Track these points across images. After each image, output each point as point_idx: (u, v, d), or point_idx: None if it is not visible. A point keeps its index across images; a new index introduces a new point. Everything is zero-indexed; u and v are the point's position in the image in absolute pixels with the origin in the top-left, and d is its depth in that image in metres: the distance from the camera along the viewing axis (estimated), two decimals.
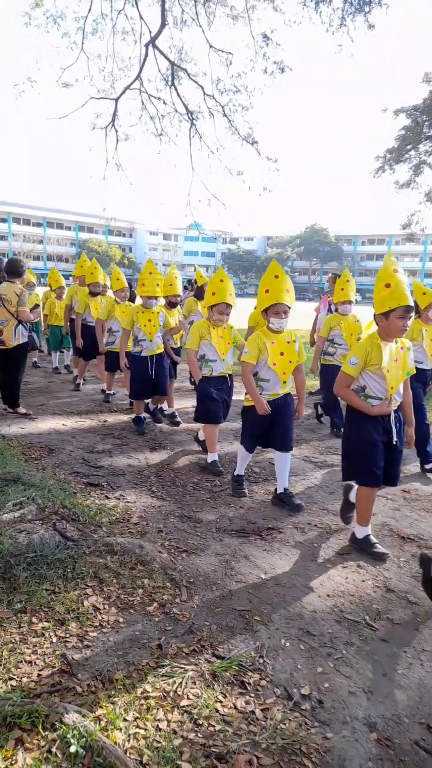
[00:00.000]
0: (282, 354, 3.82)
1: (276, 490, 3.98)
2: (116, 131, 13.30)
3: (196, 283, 7.72)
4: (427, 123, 19.21)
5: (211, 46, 12.64)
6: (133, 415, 6.32)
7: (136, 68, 12.77)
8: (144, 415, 5.82)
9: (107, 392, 7.17)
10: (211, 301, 4.42)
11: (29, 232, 72.77)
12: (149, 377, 5.52)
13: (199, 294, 7.46)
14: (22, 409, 6.19)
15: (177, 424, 6.11)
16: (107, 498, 3.86)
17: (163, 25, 11.92)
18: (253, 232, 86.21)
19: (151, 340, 5.48)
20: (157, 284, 5.38)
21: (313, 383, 7.98)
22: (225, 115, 13.13)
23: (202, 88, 12.99)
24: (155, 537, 3.27)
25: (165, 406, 6.34)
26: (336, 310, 6.00)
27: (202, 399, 4.58)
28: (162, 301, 6.03)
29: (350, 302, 5.77)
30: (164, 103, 13.29)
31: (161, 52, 12.45)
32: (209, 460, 4.65)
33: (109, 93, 13.29)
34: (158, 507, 3.77)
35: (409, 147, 20.03)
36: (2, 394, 6.16)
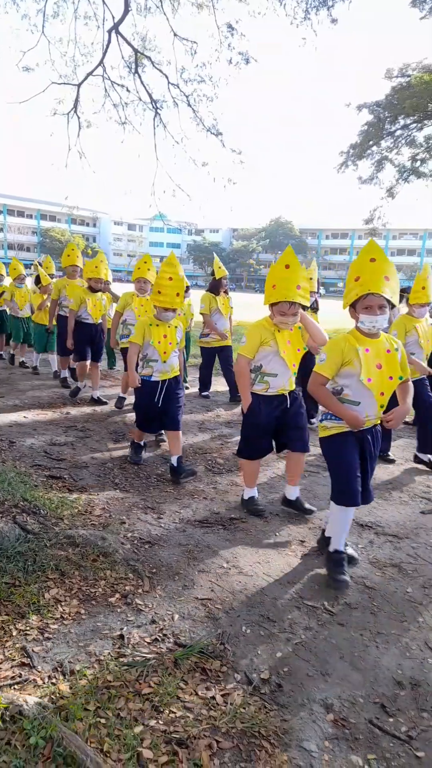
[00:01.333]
0: (380, 367, 2.78)
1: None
2: (78, 118, 13.06)
3: (213, 275, 7.03)
4: (388, 119, 19.51)
5: (175, 35, 12.51)
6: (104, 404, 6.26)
7: (98, 54, 12.59)
8: (144, 441, 4.77)
9: (121, 396, 6.50)
10: (270, 298, 3.34)
11: None
12: (156, 407, 4.36)
13: (214, 288, 6.93)
14: None
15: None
16: (69, 491, 3.83)
17: (127, 11, 11.73)
18: (218, 223, 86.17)
19: (165, 361, 4.31)
20: (178, 294, 4.22)
21: None
22: (189, 105, 13.05)
23: (167, 76, 12.87)
24: (118, 529, 3.27)
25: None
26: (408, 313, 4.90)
27: (246, 431, 3.65)
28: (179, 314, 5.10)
29: (427, 304, 4.74)
30: (128, 90, 13.12)
31: (124, 39, 12.25)
32: (245, 496, 3.80)
33: (71, 78, 13.03)
34: (121, 499, 3.76)
35: (371, 143, 20.30)
36: None
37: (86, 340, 6.55)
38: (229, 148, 13.28)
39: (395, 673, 2.21)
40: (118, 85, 12.99)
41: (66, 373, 7.62)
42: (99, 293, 6.61)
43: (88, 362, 6.61)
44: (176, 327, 4.42)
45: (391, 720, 1.97)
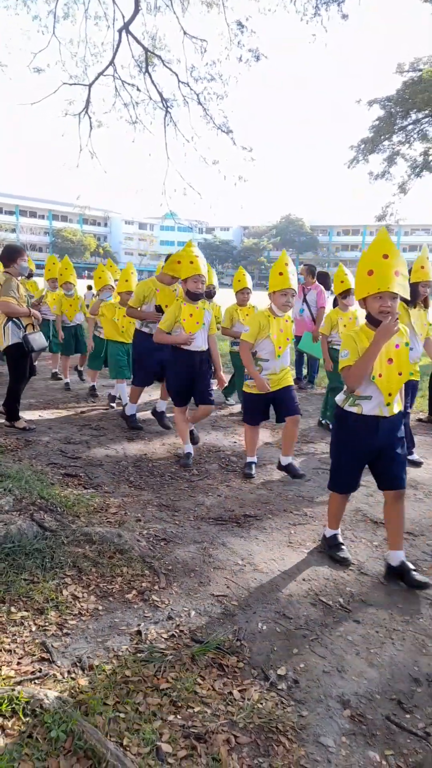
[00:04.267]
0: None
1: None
2: (90, 118, 13.09)
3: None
4: (400, 114, 19.34)
5: (185, 33, 12.50)
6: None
7: (109, 54, 12.57)
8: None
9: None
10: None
11: (1, 220, 71.34)
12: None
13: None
14: (21, 423, 5.20)
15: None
16: (85, 488, 3.86)
17: (137, 10, 11.74)
18: (229, 221, 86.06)
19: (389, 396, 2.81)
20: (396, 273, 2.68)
21: None
22: (200, 103, 13.02)
23: (177, 75, 12.85)
24: (134, 526, 3.29)
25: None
26: None
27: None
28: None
29: None
30: (138, 90, 13.11)
31: (135, 38, 12.26)
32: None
33: (81, 79, 13.06)
34: (136, 497, 3.79)
35: (382, 138, 20.14)
36: None
37: (185, 376, 4.50)
38: (239, 146, 13.23)
39: (411, 669, 2.21)
40: (129, 84, 13.00)
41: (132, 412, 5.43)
42: (200, 301, 4.48)
43: (186, 409, 4.67)
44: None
45: (408, 716, 1.97)
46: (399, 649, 2.34)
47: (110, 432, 5.33)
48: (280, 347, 4.07)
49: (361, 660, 2.25)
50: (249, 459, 4.45)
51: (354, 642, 2.36)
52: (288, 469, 4.23)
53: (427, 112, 18.81)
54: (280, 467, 4.30)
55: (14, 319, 5.00)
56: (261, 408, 4.26)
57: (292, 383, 4.23)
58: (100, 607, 2.47)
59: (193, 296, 4.42)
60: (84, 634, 2.28)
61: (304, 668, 2.18)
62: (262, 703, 1.96)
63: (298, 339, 7.62)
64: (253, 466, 4.41)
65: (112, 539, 3.00)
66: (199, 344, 4.45)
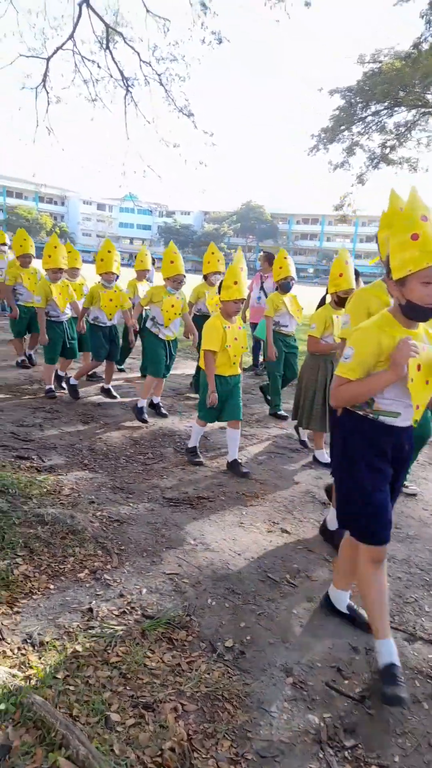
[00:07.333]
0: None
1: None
2: (47, 92, 12.72)
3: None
4: (360, 105, 19.56)
5: (148, 11, 12.26)
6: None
7: (69, 27, 12.20)
8: None
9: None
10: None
11: None
12: None
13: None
14: None
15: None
16: (38, 471, 3.84)
17: None
18: (190, 206, 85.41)
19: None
20: None
21: None
22: (161, 83, 12.84)
23: (138, 54, 12.61)
24: (87, 508, 3.31)
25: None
26: None
27: None
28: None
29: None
30: (99, 66, 12.81)
31: (96, 13, 11.94)
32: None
33: (40, 52, 12.66)
34: (90, 479, 3.80)
35: (342, 128, 20.33)
36: None
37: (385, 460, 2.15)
38: (201, 130, 13.13)
39: (351, 639, 2.34)
40: (89, 60, 12.69)
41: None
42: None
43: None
44: None
45: (346, 682, 2.09)
46: (341, 621, 2.46)
47: (64, 415, 5.29)
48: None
49: (304, 632, 2.37)
50: None
51: (299, 615, 2.48)
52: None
53: (386, 104, 19.10)
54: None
55: None
56: None
57: None
58: (52, 586, 2.49)
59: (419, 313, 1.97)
60: (35, 612, 2.30)
61: (251, 640, 2.27)
62: (209, 674, 2.04)
63: (254, 326, 7.71)
64: None
65: (65, 520, 3.01)
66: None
